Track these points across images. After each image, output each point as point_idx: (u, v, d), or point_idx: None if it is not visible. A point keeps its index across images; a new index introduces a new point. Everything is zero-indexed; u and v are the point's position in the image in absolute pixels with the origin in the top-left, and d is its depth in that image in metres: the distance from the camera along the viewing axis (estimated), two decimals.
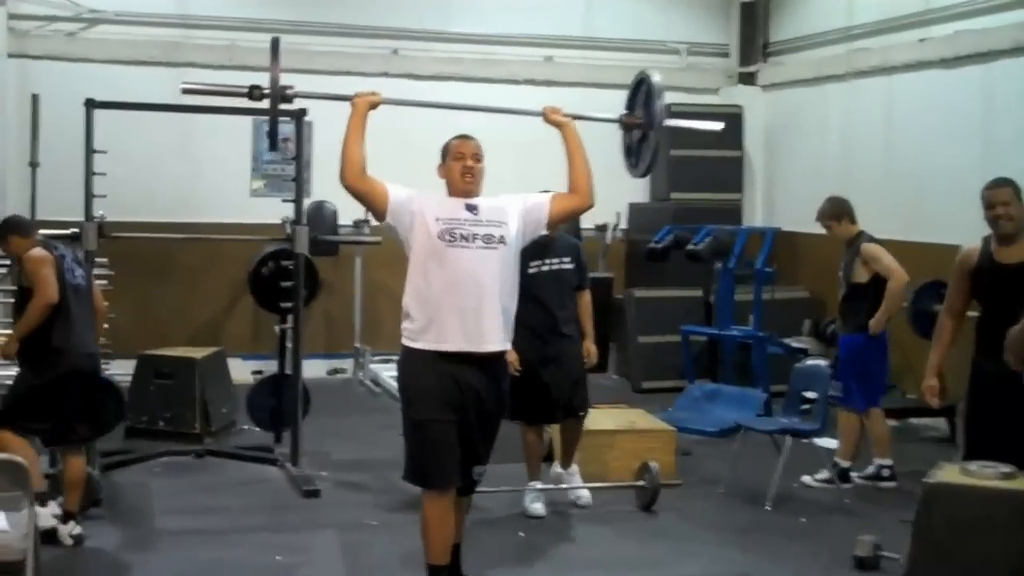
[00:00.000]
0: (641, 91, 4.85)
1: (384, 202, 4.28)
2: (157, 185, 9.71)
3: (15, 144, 9.11)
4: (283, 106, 4.48)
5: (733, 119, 10.63)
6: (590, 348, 6.18)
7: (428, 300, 4.23)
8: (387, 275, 9.43)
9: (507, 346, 4.36)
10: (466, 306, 4.19)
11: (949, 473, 4.42)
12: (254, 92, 4.39)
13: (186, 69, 9.64)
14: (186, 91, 4.45)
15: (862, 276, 6.63)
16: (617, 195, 10.06)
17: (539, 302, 5.83)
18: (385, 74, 10.15)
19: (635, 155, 4.88)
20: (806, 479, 6.79)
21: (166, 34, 9.87)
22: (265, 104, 4.42)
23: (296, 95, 4.43)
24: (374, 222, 9.10)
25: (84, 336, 5.44)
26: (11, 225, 5.50)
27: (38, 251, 5.33)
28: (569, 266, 6.07)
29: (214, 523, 5.88)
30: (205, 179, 9.90)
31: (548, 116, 4.50)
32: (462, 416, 4.28)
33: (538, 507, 6.11)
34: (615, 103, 10.62)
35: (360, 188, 4.25)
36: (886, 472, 6.80)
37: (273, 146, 4.52)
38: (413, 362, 4.31)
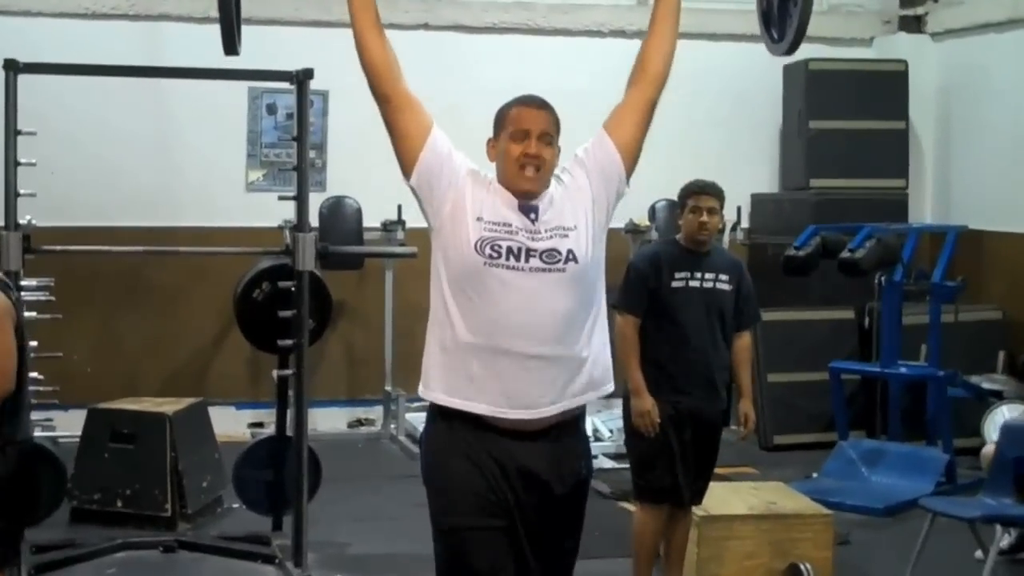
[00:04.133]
0: None
1: (418, 146, 3.68)
2: (120, 179, 9.37)
3: None
4: None
5: (894, 80, 10.24)
6: (748, 412, 5.80)
7: (456, 344, 3.61)
8: (427, 297, 8.90)
9: (574, 411, 3.71)
10: (513, 359, 3.58)
11: None
12: None
13: (159, 23, 9.37)
14: None
15: None
16: (736, 184, 9.44)
17: (680, 331, 5.50)
18: (425, 26, 9.86)
19: (777, 23, 4.29)
20: None
21: None
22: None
23: None
24: (411, 223, 8.99)
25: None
26: None
27: None
28: (727, 287, 5.63)
29: None
30: (185, 171, 9.54)
31: None
32: (517, 518, 3.64)
33: None
34: (730, 60, 10.14)
35: (399, 98, 3.68)
36: None
37: (230, 47, 3.78)
38: (438, 436, 3.71)
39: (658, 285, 5.50)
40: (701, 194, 5.59)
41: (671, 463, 5.54)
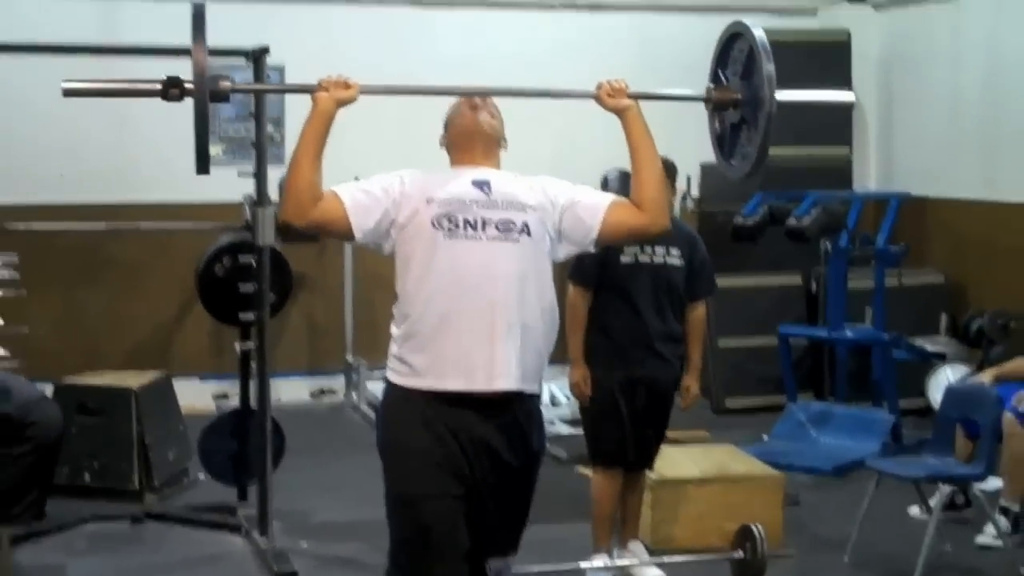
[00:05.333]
0: (734, 52, 4.13)
1: (345, 222, 3.71)
2: (81, 155, 9.25)
3: None
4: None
5: (837, 49, 10.22)
6: (691, 385, 5.79)
7: (418, 317, 3.68)
8: (386, 267, 8.89)
9: (530, 386, 3.78)
10: (471, 325, 3.65)
11: None
12: (170, 91, 3.68)
13: (120, 1, 9.24)
14: (68, 93, 3.70)
15: None
16: (686, 154, 9.43)
17: (629, 303, 5.50)
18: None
19: (729, 146, 4.19)
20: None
21: None
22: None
23: (235, 90, 3.80)
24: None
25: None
26: None
27: None
28: (677, 262, 5.61)
29: None
30: (145, 146, 9.37)
31: (604, 100, 3.95)
32: (471, 487, 3.70)
33: None
34: (678, 31, 10.13)
35: (311, 223, 3.71)
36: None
37: (203, 167, 3.78)
38: (396, 408, 3.77)
39: (608, 259, 5.45)
40: None
41: (621, 428, 5.56)
